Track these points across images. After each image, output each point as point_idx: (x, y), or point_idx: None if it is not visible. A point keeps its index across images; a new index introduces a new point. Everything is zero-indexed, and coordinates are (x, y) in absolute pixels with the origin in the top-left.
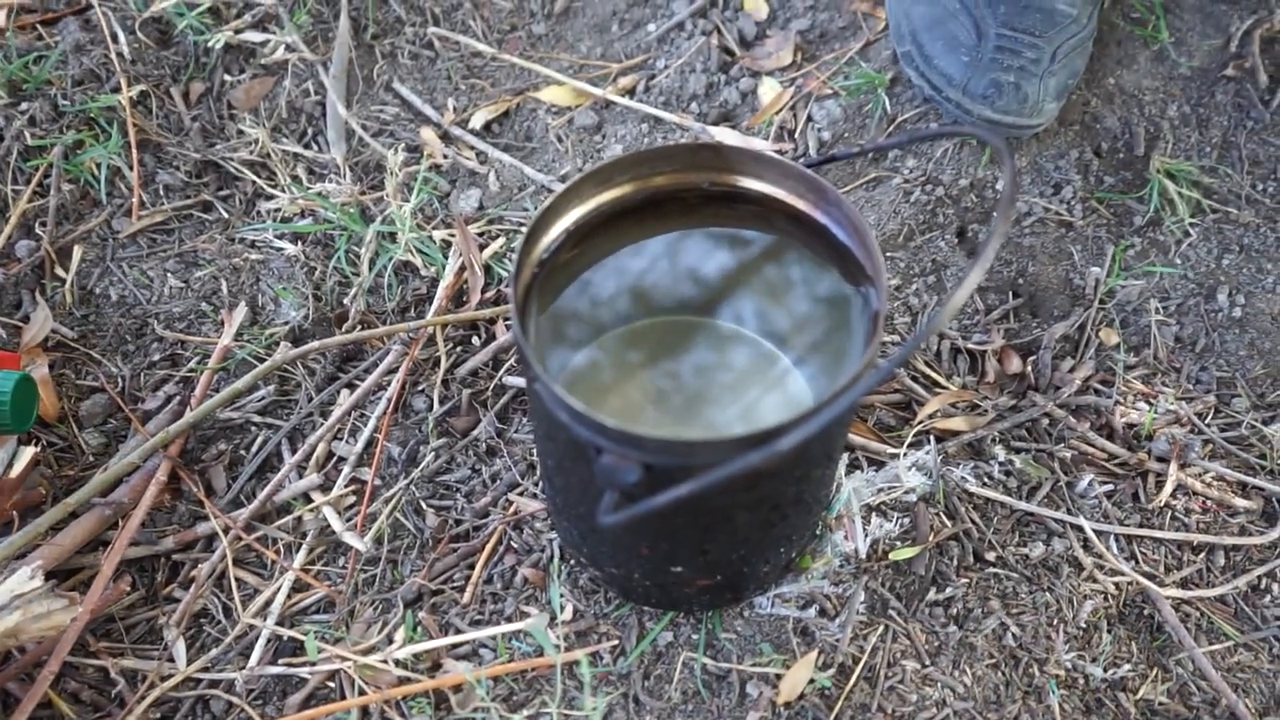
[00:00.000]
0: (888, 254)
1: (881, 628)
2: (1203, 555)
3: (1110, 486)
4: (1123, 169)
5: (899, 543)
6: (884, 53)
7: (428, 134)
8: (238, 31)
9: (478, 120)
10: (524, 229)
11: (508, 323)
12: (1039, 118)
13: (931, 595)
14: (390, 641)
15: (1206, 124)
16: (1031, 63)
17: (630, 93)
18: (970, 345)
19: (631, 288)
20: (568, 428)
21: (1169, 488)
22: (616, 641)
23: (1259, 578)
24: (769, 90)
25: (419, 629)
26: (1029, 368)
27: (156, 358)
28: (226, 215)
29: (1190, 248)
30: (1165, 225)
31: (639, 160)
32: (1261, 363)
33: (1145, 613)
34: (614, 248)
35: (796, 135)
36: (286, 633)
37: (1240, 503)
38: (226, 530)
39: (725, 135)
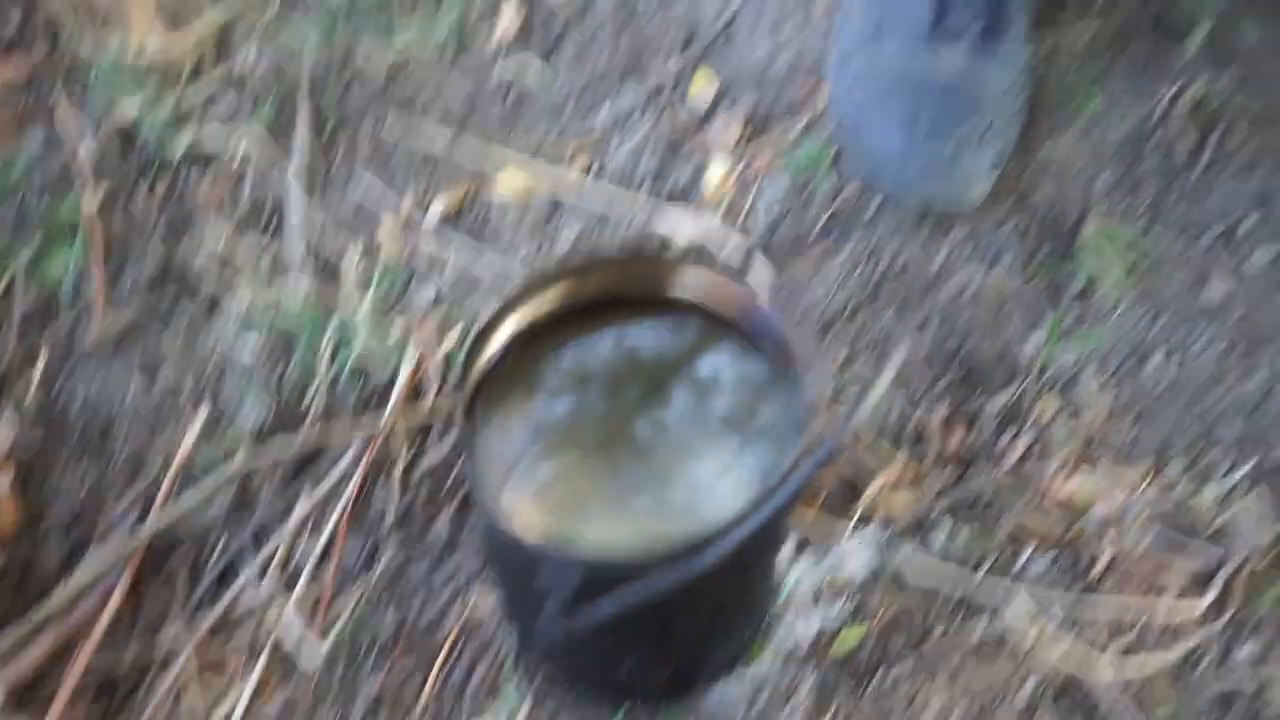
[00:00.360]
0: (834, 328)
1: (830, 712)
2: (1140, 624)
3: (1051, 557)
4: (1058, 237)
5: (847, 623)
6: (826, 131)
7: (388, 224)
8: (200, 130)
9: (436, 209)
10: (468, 339)
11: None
12: (974, 192)
13: (878, 677)
14: None
15: (1138, 189)
16: (965, 139)
17: (585, 173)
18: (914, 419)
19: (576, 385)
20: (511, 543)
21: (1106, 556)
22: None
23: (1195, 645)
24: (717, 169)
25: None
26: (972, 439)
27: (121, 462)
28: (190, 315)
29: (1124, 313)
30: (1100, 292)
31: (575, 269)
32: (1196, 426)
33: (1085, 686)
34: (555, 347)
35: (745, 213)
36: None
37: (1176, 568)
38: (186, 641)
39: (677, 213)
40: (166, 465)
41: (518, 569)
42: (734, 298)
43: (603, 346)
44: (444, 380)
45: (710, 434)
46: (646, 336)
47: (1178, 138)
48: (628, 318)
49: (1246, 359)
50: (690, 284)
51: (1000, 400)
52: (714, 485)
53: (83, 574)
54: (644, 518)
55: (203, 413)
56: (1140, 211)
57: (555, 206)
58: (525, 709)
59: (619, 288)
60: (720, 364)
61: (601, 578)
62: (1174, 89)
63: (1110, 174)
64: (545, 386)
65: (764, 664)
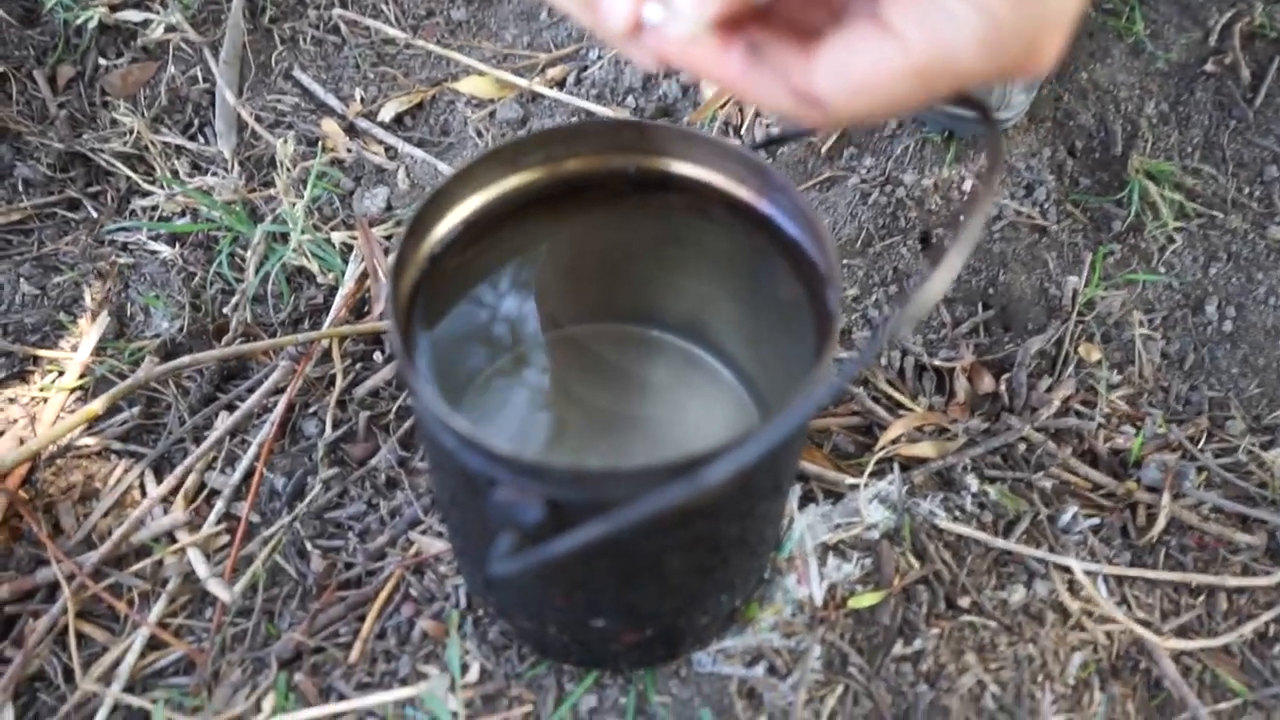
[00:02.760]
0: (844, 261)
1: (841, 688)
2: (1203, 599)
3: (1096, 520)
4: (1099, 169)
5: (860, 587)
6: None
7: (330, 126)
8: (114, 9)
9: (387, 112)
10: (415, 212)
11: None
12: (1007, 112)
13: (898, 649)
14: (259, 710)
15: (1187, 122)
16: None
17: (560, 84)
18: (937, 362)
19: (547, 290)
20: (456, 455)
21: (1162, 521)
22: (530, 707)
23: (1266, 624)
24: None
25: (293, 695)
26: (1003, 387)
27: (2, 375)
28: (95, 214)
29: (1175, 255)
30: (1147, 230)
31: (551, 139)
32: (1256, 380)
33: (1141, 666)
34: (524, 243)
35: (743, 132)
36: (135, 701)
37: (1242, 538)
38: (71, 577)
39: None
40: (57, 380)
41: (468, 485)
42: (748, 174)
43: (581, 238)
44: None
45: (709, 358)
46: (637, 232)
47: (1231, 70)
48: (613, 206)
49: None
50: (694, 158)
51: (1035, 344)
52: (711, 418)
53: None
54: (623, 453)
55: (103, 322)
56: (1191, 145)
57: (524, 119)
58: (475, 672)
59: (604, 164)
60: (724, 268)
61: (569, 502)
62: (1228, 15)
63: (1157, 105)
64: (508, 285)
65: (761, 629)
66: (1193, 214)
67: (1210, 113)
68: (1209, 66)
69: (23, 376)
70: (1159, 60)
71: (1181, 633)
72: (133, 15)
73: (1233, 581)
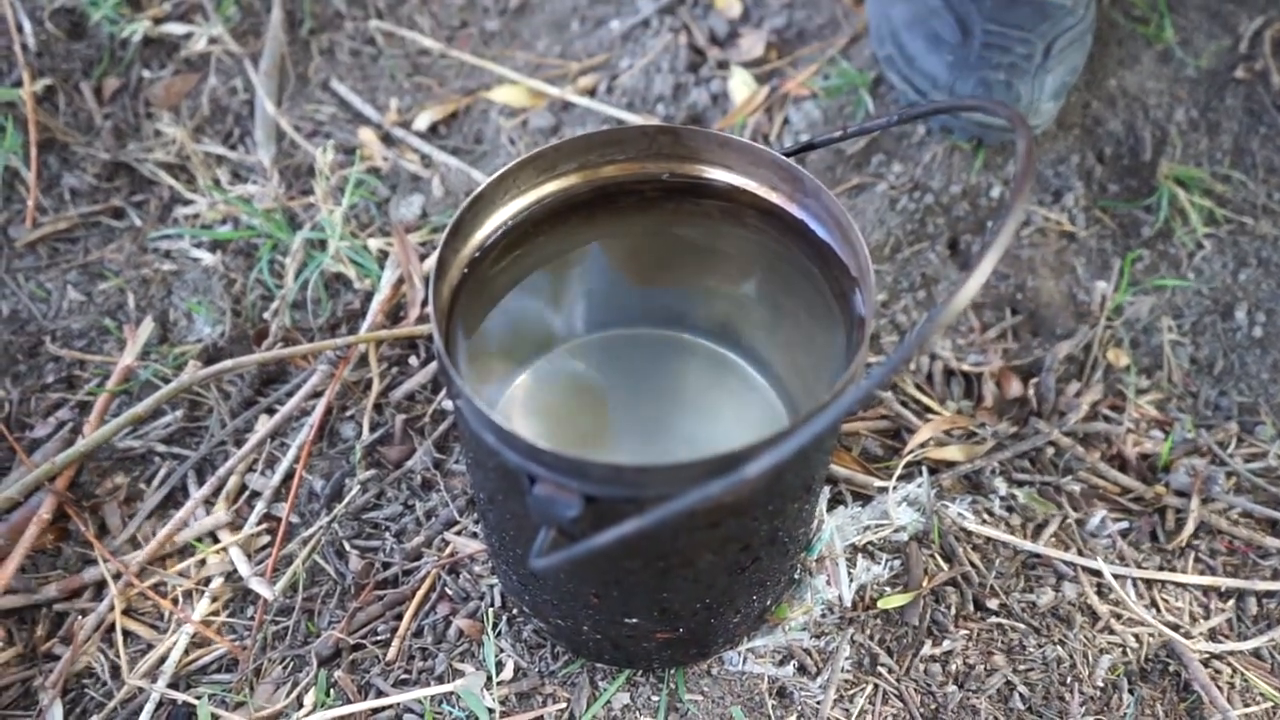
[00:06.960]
0: (873, 266)
1: (870, 687)
2: (1232, 602)
3: (1125, 524)
4: (1128, 176)
5: (889, 588)
6: (866, 51)
7: (366, 135)
8: (158, 22)
9: (422, 121)
10: (458, 213)
11: None
12: (1035, 119)
13: (927, 649)
14: (299, 706)
15: (1217, 129)
16: (1023, 59)
17: (591, 93)
18: (966, 367)
19: (582, 295)
20: (496, 453)
21: (1191, 525)
22: (564, 705)
23: None
24: (742, 91)
25: (333, 691)
26: (1031, 391)
27: (50, 379)
28: (139, 222)
29: (1204, 261)
30: (1176, 236)
31: (587, 145)
32: None
33: (1170, 669)
34: (561, 248)
35: (772, 139)
36: (180, 696)
37: (1271, 542)
38: (117, 576)
39: None
40: (103, 384)
41: (508, 485)
42: (781, 180)
43: (615, 243)
44: (426, 301)
45: (740, 361)
46: (671, 238)
47: (1261, 77)
48: (648, 211)
49: None
50: (727, 164)
51: (1064, 349)
52: (743, 421)
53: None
54: (656, 455)
55: (147, 328)
56: (1221, 152)
57: (556, 127)
58: (510, 669)
59: (639, 170)
60: (756, 272)
61: (606, 498)
62: (1258, 21)
63: (1186, 112)
64: (544, 289)
65: (791, 629)
66: (1222, 220)
67: (1240, 119)
68: (1239, 73)
69: (70, 381)
70: (1188, 67)
71: (1211, 636)
72: (176, 28)
73: (1262, 585)
